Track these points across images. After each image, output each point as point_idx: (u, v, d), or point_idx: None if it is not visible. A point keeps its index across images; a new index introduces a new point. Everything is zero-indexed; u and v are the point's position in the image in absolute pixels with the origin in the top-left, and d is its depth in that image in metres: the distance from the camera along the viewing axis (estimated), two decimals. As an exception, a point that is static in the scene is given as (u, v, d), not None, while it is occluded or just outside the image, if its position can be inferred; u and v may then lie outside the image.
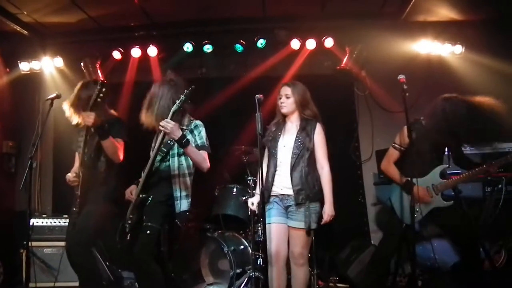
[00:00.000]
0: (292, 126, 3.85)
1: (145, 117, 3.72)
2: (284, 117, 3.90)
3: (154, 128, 3.71)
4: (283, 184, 3.70)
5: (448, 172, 4.04)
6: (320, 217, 3.65)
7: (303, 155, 3.68)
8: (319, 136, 3.74)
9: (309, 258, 3.77)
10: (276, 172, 3.75)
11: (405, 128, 3.79)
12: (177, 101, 3.42)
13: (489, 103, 3.84)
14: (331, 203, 3.63)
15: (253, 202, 3.89)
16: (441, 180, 3.95)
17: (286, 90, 3.85)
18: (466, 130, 3.87)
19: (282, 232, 3.68)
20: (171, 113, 3.43)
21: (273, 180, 3.73)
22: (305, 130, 3.74)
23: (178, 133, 3.40)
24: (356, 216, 5.85)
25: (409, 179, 3.70)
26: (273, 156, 3.80)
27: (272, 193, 3.73)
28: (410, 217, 3.55)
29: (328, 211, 3.61)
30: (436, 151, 4.04)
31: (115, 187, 4.01)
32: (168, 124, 3.35)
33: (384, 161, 4.16)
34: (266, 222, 3.52)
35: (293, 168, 3.66)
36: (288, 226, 3.69)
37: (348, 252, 5.22)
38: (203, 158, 3.64)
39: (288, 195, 3.67)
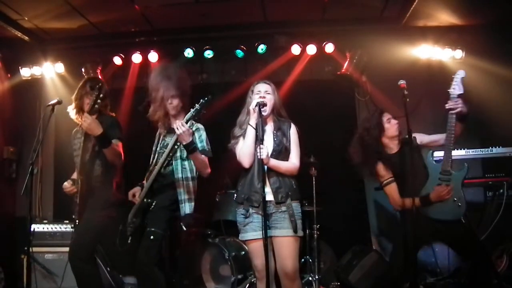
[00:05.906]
0: (266, 127, 3.51)
1: None
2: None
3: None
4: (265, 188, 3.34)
5: (434, 156, 3.81)
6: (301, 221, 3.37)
7: (280, 155, 3.41)
8: (294, 135, 3.52)
9: (310, 264, 3.66)
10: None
11: (380, 164, 3.82)
12: (192, 110, 3.48)
13: None
14: (272, 160, 3.34)
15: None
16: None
17: (266, 88, 3.55)
18: None
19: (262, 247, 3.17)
20: (185, 119, 3.50)
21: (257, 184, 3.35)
22: (281, 130, 3.50)
23: (189, 138, 3.45)
24: (357, 221, 5.83)
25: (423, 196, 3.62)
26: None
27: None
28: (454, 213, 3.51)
29: (266, 153, 3.28)
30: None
31: (113, 191, 3.95)
32: (183, 127, 3.38)
33: (395, 200, 3.83)
34: (247, 238, 3.36)
35: (270, 168, 3.35)
36: (273, 237, 3.29)
37: (349, 257, 5.18)
38: (206, 164, 3.69)
39: (270, 201, 3.32)
